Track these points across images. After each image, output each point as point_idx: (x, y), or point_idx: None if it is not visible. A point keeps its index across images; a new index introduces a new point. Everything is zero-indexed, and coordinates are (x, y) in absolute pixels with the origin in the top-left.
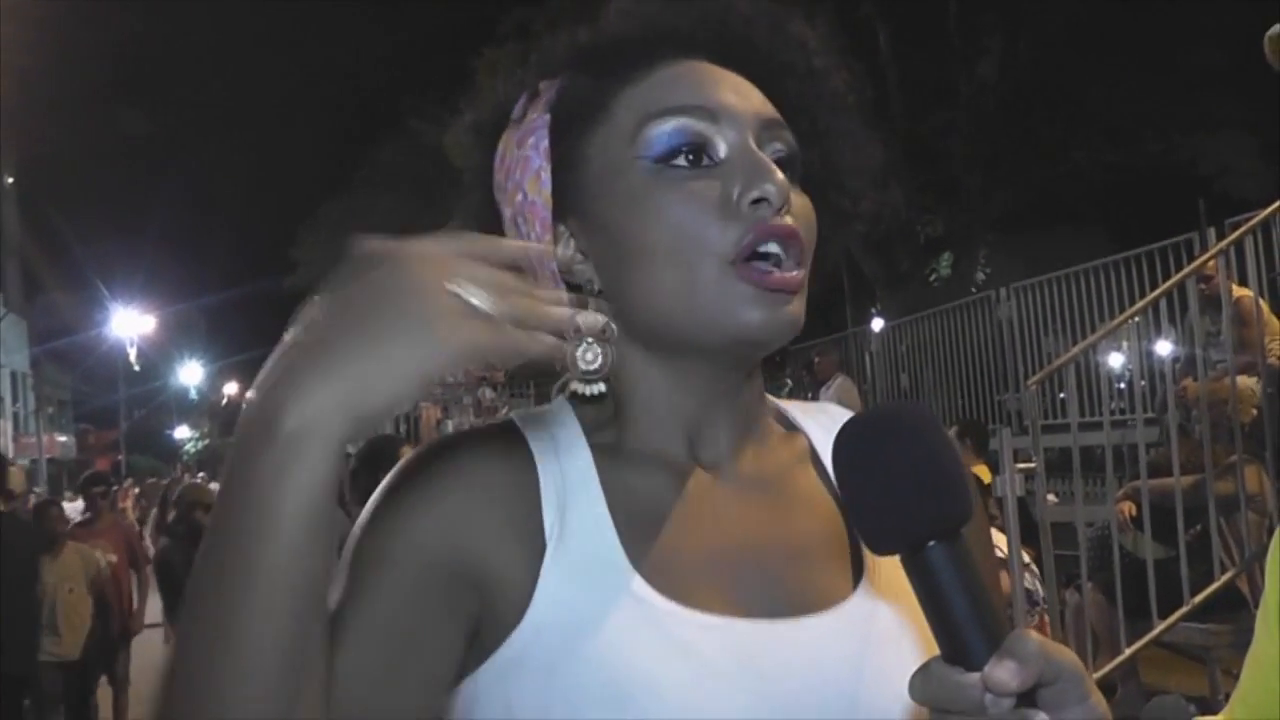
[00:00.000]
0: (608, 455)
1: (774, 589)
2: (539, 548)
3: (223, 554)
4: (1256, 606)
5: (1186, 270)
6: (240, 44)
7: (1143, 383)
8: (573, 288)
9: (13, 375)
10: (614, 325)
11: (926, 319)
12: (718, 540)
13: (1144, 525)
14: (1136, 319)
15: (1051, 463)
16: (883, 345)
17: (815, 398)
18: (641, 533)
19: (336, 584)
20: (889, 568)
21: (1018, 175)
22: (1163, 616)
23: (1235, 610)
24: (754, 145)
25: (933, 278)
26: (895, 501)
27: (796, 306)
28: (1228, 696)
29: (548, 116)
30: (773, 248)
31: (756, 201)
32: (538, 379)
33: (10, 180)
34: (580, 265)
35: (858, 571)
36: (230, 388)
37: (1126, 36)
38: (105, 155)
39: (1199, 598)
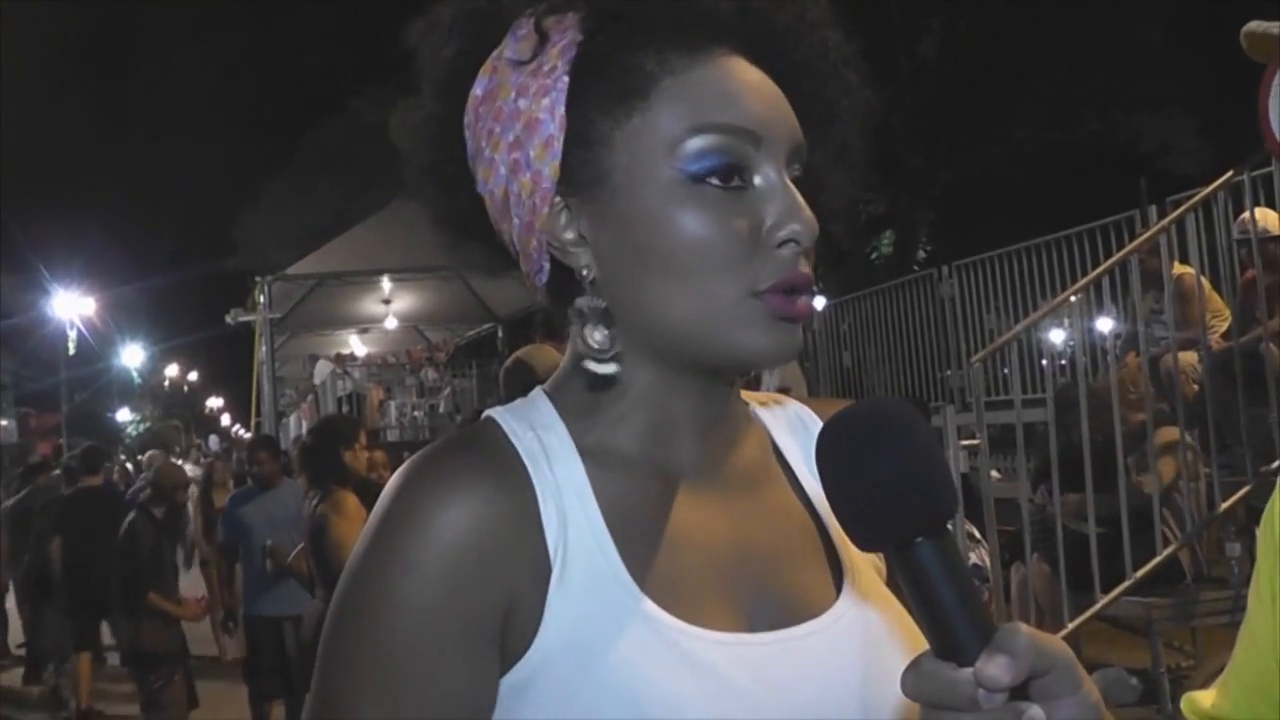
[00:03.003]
0: (597, 462)
1: (768, 599)
2: (544, 568)
3: None
4: (1195, 580)
5: (1129, 248)
6: (180, 25)
7: (1084, 359)
8: (556, 265)
9: None
10: (611, 314)
11: (868, 297)
12: (710, 551)
13: (1088, 502)
14: (1078, 296)
15: (994, 439)
16: (825, 323)
17: (759, 377)
18: (639, 548)
19: (351, 646)
20: (865, 567)
21: (959, 153)
22: (1105, 590)
23: (1175, 584)
24: (787, 177)
25: (874, 256)
26: (881, 499)
27: (798, 336)
28: (1170, 669)
29: (567, 79)
30: (798, 286)
31: (786, 241)
32: (479, 359)
33: None
34: (576, 249)
35: (836, 571)
36: (171, 369)
37: (1067, 15)
38: (45, 137)
39: (1141, 571)
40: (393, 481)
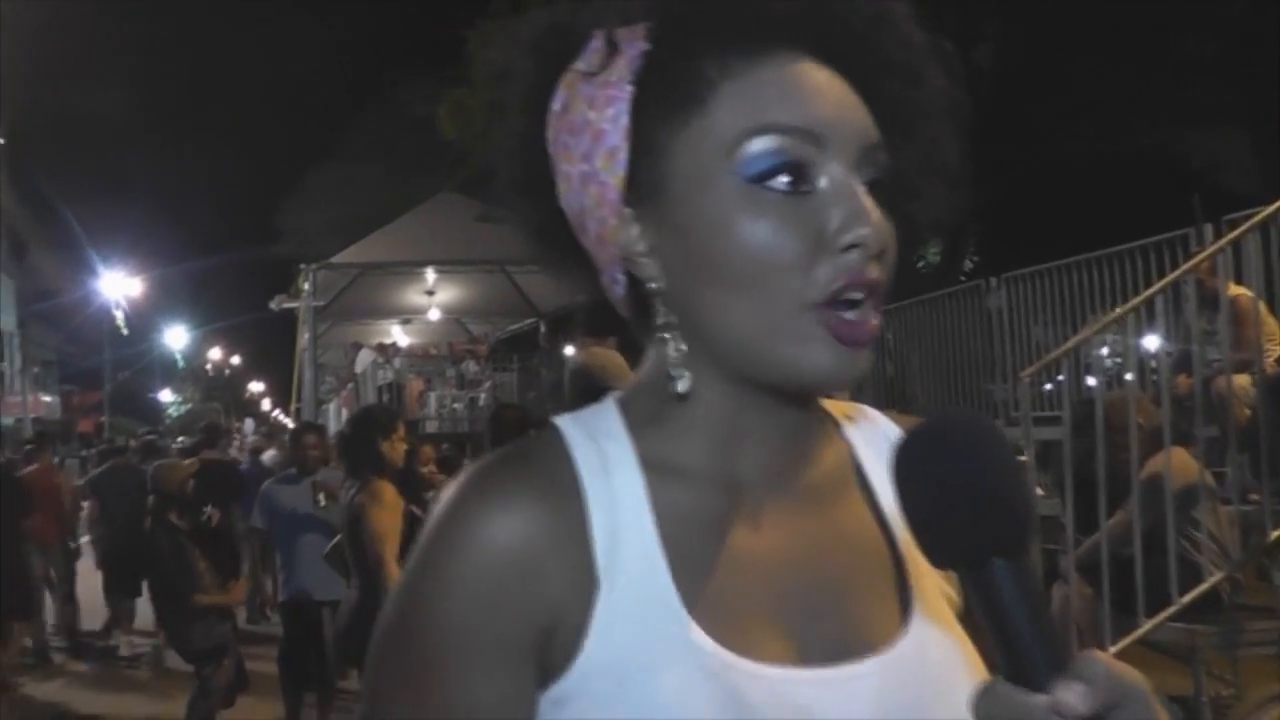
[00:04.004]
0: (660, 475)
1: (826, 627)
2: (591, 586)
3: None
4: (1238, 609)
5: (1187, 266)
6: (230, 12)
7: (1129, 376)
8: (630, 277)
9: (0, 335)
10: (680, 324)
11: (914, 306)
12: (771, 575)
13: (1134, 526)
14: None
15: (1039, 455)
16: None
17: None
18: (694, 567)
19: (390, 655)
20: (934, 594)
21: (1009, 163)
22: (1149, 615)
23: (1221, 611)
24: (855, 179)
25: (921, 264)
26: (958, 517)
27: (869, 354)
28: (1212, 698)
29: (630, 88)
30: (858, 295)
31: (851, 246)
32: (520, 353)
33: (0, 142)
34: (644, 259)
35: (903, 595)
36: (214, 352)
37: (1122, 26)
38: (95, 119)
39: (1186, 598)
40: (445, 494)
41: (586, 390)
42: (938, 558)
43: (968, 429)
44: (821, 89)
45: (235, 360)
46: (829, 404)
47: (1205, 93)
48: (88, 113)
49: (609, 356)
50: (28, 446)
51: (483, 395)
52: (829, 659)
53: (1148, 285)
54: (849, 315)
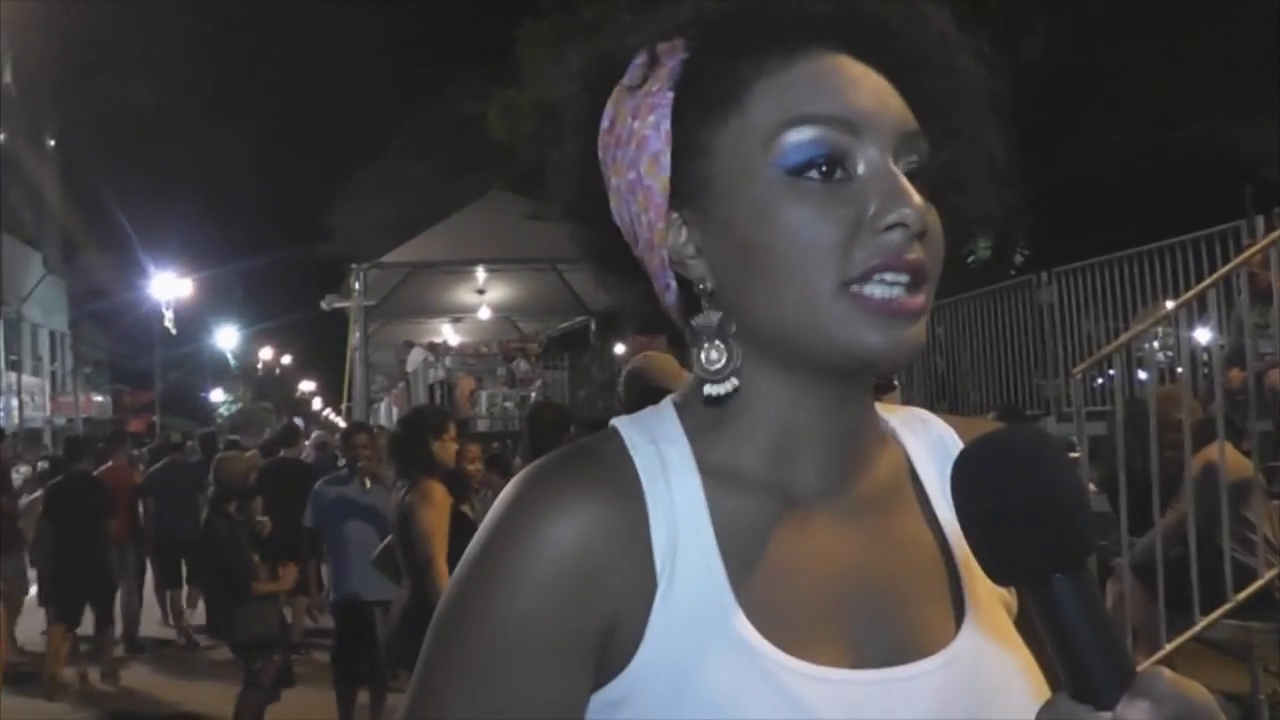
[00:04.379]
0: (718, 480)
1: (881, 633)
2: (650, 588)
3: None
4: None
5: (1238, 260)
6: (280, 12)
7: (1180, 370)
8: (681, 281)
9: (51, 335)
10: (729, 326)
11: (964, 302)
12: (826, 581)
13: (1189, 520)
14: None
15: (1091, 451)
16: None
17: None
18: (751, 572)
19: (446, 647)
20: (989, 601)
21: (1058, 157)
22: (1204, 612)
23: (1277, 608)
24: (893, 163)
25: (971, 259)
26: (1018, 533)
27: (918, 329)
28: (1269, 695)
29: (671, 95)
30: (899, 278)
31: (892, 226)
32: (571, 351)
33: (52, 143)
34: (693, 260)
35: (959, 607)
36: (265, 352)
37: (1169, 19)
38: (144, 120)
39: (1243, 594)
40: (506, 491)
41: (643, 394)
42: (999, 575)
43: (1027, 444)
44: (856, 80)
45: (286, 360)
46: (884, 408)
47: (1254, 85)
48: (139, 113)
49: (664, 360)
50: (100, 445)
51: (534, 393)
52: (883, 663)
53: (1199, 279)
54: (875, 291)
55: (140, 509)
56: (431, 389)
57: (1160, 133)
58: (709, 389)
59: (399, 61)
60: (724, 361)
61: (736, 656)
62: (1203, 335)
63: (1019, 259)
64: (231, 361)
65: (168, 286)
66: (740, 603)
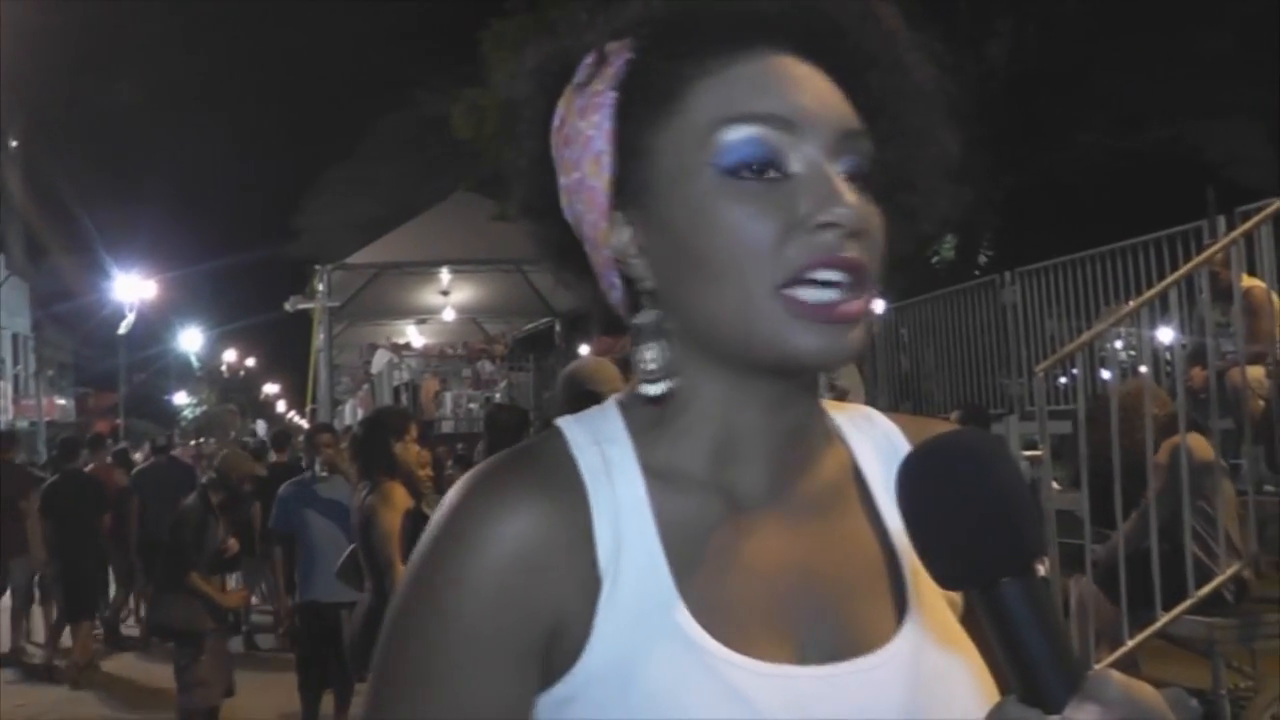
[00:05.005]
0: (661, 480)
1: (824, 630)
2: (594, 587)
3: None
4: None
5: (1200, 258)
6: (244, 13)
7: (1142, 369)
8: (626, 280)
9: (14, 338)
10: (668, 325)
11: (929, 302)
12: (769, 579)
13: (1149, 518)
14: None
15: (1054, 449)
16: (884, 327)
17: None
18: (695, 571)
19: (394, 649)
20: (933, 598)
21: (1023, 158)
22: (1166, 608)
23: (1239, 603)
24: (829, 163)
25: (935, 260)
26: (966, 538)
27: (856, 333)
28: (1231, 691)
29: (614, 95)
30: (834, 276)
31: (825, 225)
32: (536, 353)
33: (14, 144)
34: (635, 260)
35: (901, 601)
36: (229, 354)
37: (1135, 21)
38: (109, 120)
39: (1203, 590)
40: (450, 493)
41: (578, 397)
42: (946, 580)
43: (972, 448)
44: (797, 79)
45: (250, 362)
46: (830, 405)
47: (1218, 87)
48: (103, 115)
49: (600, 363)
50: (83, 449)
51: (498, 395)
52: (827, 659)
53: (1161, 278)
54: (809, 296)
55: (126, 509)
56: (396, 391)
57: (1125, 134)
58: (644, 388)
59: (367, 62)
60: (660, 362)
61: (681, 652)
62: (1165, 334)
63: (983, 259)
64: (196, 364)
65: (132, 288)
66: (684, 599)
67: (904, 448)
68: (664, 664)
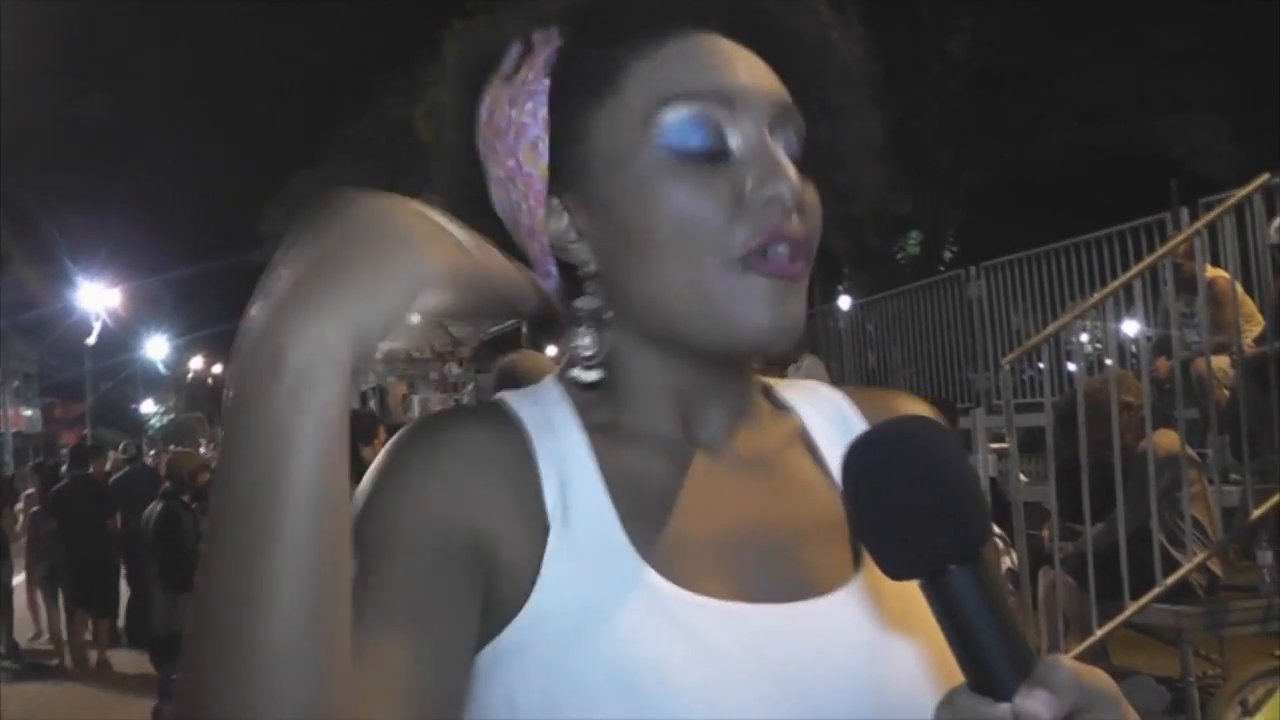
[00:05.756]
0: (603, 434)
1: (777, 572)
2: (541, 529)
3: (239, 505)
4: (1223, 589)
5: (1164, 249)
6: (207, 19)
7: (1108, 361)
8: (564, 266)
9: None
10: (609, 311)
11: (895, 297)
12: (718, 522)
13: (1118, 507)
14: (1109, 298)
15: (1021, 442)
16: (851, 323)
17: (784, 376)
18: (642, 516)
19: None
20: None
21: (987, 153)
22: (1134, 598)
23: (1207, 592)
24: (769, 137)
25: (900, 255)
26: (911, 526)
27: (797, 306)
28: (1199, 678)
29: (547, 81)
30: (781, 249)
31: (769, 201)
32: (503, 355)
33: None
34: (575, 245)
35: (858, 553)
36: (196, 362)
37: (1097, 16)
38: (71, 129)
39: (1171, 579)
40: (395, 437)
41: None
42: (893, 569)
43: (911, 435)
44: (730, 57)
45: (217, 369)
46: (776, 382)
47: (1180, 81)
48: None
49: (536, 358)
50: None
51: (466, 397)
52: (782, 600)
53: (1126, 271)
54: (770, 252)
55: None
56: (364, 394)
57: (1090, 129)
58: (579, 374)
59: (331, 65)
60: (596, 347)
61: (634, 593)
62: (1131, 326)
63: (948, 254)
64: (163, 371)
65: (97, 297)
66: (633, 543)
67: (852, 415)
68: (617, 603)
